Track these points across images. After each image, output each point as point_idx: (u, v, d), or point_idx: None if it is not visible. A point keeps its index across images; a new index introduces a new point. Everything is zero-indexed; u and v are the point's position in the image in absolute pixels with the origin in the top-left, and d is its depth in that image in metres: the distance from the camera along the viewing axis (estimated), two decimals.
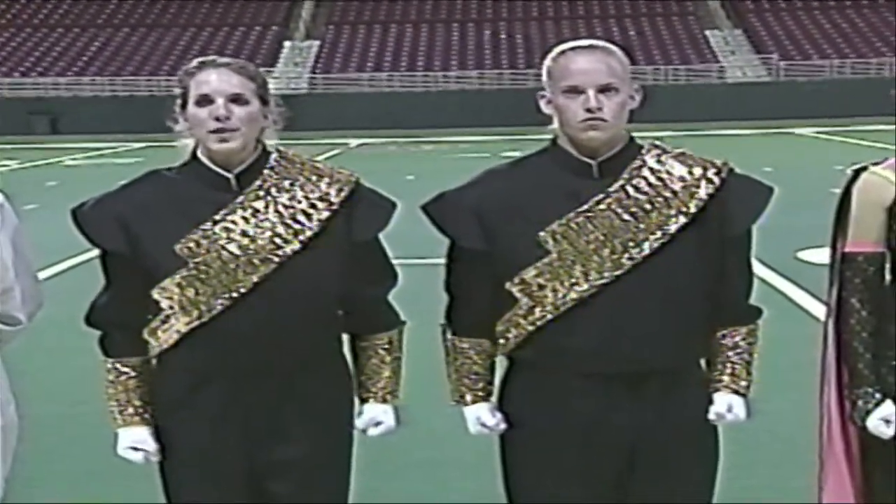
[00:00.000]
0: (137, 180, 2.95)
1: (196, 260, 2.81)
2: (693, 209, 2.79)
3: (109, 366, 2.96)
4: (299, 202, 2.87)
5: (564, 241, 2.79)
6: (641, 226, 2.79)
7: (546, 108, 2.87)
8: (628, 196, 2.80)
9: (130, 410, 2.96)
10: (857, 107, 40.11)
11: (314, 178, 2.92)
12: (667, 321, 2.81)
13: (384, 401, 3.07)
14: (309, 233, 2.85)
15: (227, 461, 2.91)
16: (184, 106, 2.87)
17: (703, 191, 2.80)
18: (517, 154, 3.08)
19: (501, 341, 2.93)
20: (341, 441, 3.03)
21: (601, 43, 2.86)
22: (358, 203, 2.93)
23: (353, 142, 37.16)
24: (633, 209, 2.80)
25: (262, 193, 2.87)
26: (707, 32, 51.71)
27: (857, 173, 2.98)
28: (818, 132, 35.21)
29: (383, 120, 42.44)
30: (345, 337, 3.07)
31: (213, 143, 2.82)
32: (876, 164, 3.01)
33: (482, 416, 2.98)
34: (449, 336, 3.03)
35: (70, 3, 55.83)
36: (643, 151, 2.85)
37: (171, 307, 2.84)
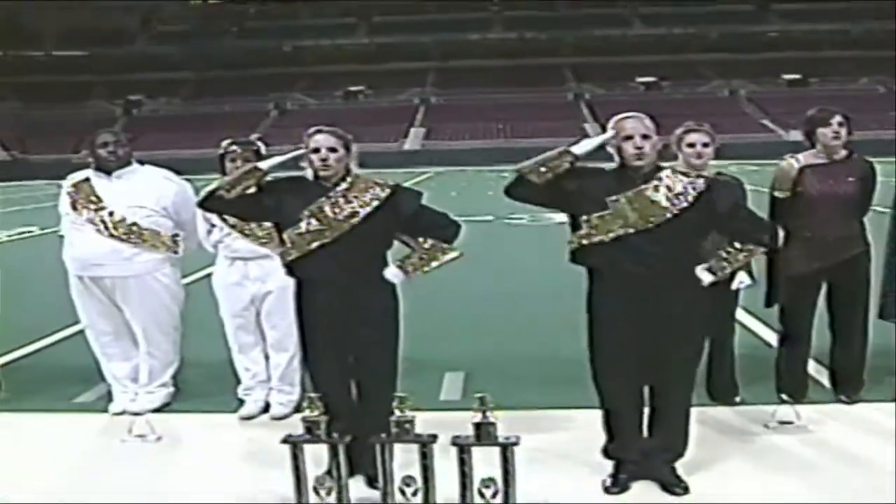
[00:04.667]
0: (286, 178, 4.97)
1: (312, 219, 4.85)
2: None
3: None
4: (358, 197, 4.89)
5: None
6: None
7: None
8: None
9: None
10: None
11: (364, 185, 4.92)
12: None
13: (399, 267, 5.00)
14: (363, 213, 4.85)
15: (334, 338, 4.95)
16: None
17: None
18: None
19: None
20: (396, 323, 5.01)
21: None
22: (397, 196, 4.94)
23: (438, 168, 52.88)
24: None
25: (345, 192, 4.90)
26: None
27: None
28: None
29: (453, 161, 58.23)
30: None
31: (321, 171, 4.89)
32: None
33: None
34: None
35: None
36: None
37: (289, 245, 4.92)
